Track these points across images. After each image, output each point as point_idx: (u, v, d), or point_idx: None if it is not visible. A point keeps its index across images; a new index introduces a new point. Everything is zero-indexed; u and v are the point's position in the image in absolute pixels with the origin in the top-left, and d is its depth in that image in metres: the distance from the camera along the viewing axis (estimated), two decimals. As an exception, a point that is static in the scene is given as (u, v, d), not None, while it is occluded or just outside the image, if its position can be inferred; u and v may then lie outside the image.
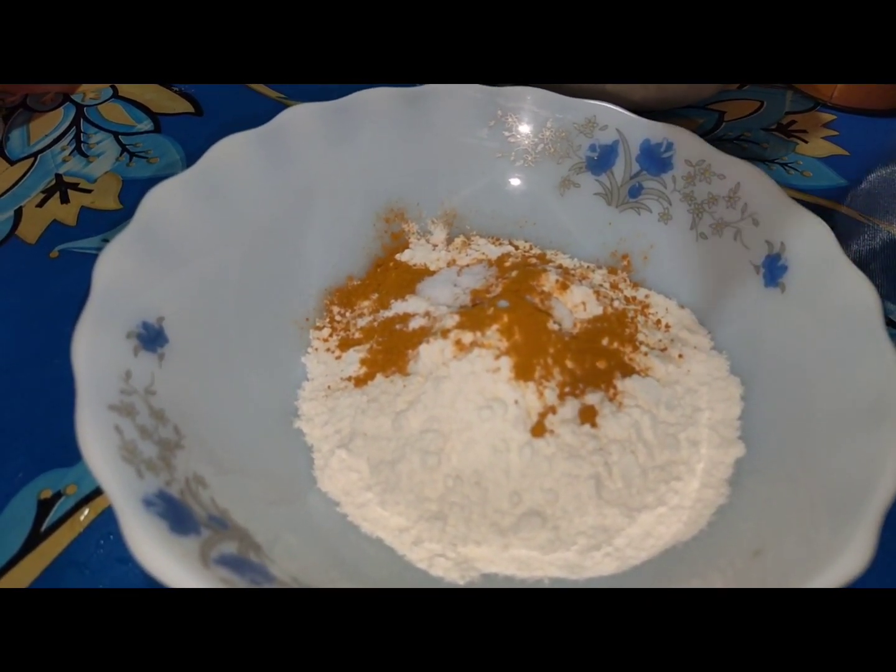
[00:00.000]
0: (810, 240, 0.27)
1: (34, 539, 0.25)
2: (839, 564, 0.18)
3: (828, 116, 0.46)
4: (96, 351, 0.21)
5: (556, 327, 0.27)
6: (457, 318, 0.28)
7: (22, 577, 0.24)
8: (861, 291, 0.25)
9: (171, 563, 0.17)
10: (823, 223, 0.27)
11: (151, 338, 0.23)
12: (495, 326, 0.27)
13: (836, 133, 0.45)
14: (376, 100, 0.32)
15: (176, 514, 0.19)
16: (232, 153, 0.28)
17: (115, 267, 0.23)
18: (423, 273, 0.32)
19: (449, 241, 0.34)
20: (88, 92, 0.44)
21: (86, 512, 0.25)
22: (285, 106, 0.30)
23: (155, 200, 0.25)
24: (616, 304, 0.30)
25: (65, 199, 0.37)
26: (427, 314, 0.29)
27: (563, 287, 0.29)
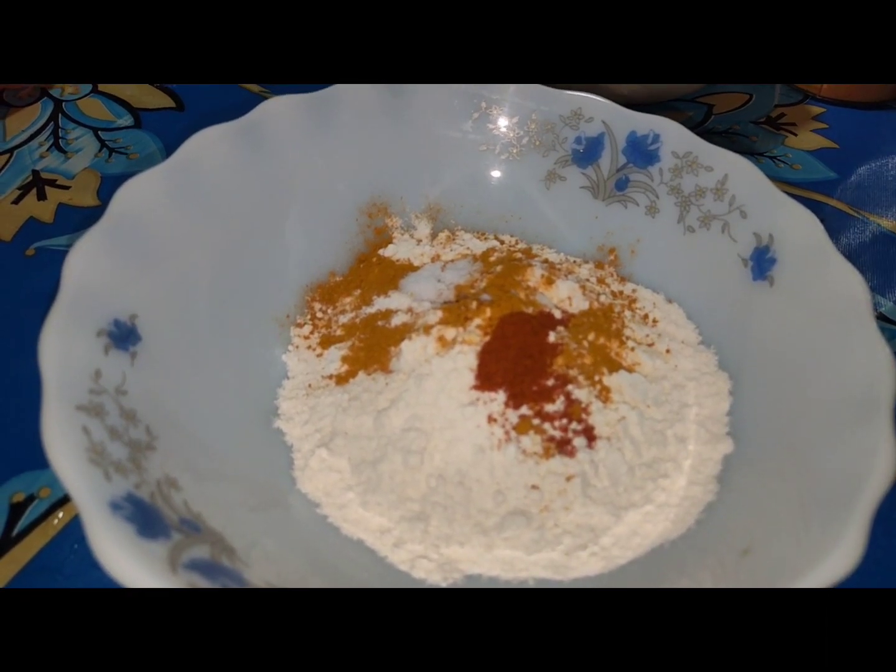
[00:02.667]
0: (799, 232, 0.26)
1: (5, 544, 0.24)
2: (829, 563, 0.18)
3: (817, 109, 0.46)
4: (64, 349, 0.20)
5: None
6: (439, 314, 0.27)
7: (-9, 583, 0.23)
8: (851, 284, 0.24)
9: (137, 569, 0.16)
10: (812, 214, 0.26)
11: (123, 336, 0.23)
12: (477, 321, 0.26)
13: (825, 126, 0.44)
14: (358, 92, 0.31)
15: (145, 518, 0.18)
16: (208, 146, 0.27)
17: (87, 263, 0.22)
18: (407, 268, 0.31)
19: (433, 235, 0.33)
20: (67, 87, 0.43)
21: (60, 515, 0.25)
22: (268, 100, 0.29)
23: (129, 195, 0.25)
24: (603, 298, 0.29)
25: (42, 196, 0.36)
26: (410, 310, 0.29)
27: (549, 282, 0.29)
